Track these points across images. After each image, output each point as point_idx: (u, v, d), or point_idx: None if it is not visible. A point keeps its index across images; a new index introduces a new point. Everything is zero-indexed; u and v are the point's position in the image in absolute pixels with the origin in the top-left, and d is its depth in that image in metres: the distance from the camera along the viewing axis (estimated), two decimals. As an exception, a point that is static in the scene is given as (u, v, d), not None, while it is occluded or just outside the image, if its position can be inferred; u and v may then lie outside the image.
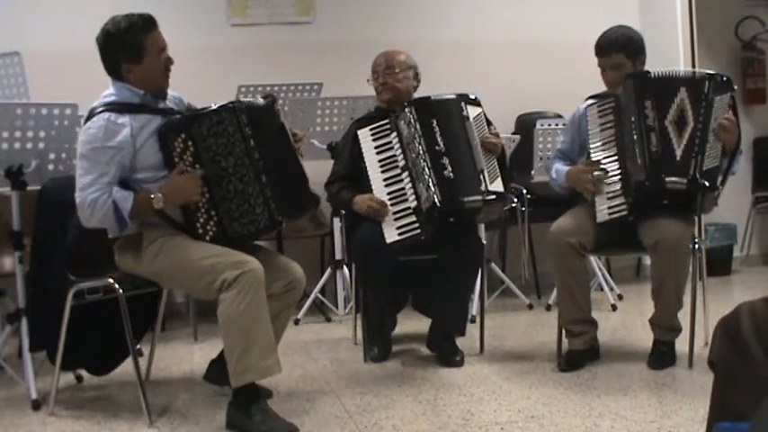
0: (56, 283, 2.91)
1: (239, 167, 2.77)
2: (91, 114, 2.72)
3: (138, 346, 3.35)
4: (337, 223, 4.30)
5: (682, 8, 5.25)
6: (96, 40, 2.76)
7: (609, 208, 3.23)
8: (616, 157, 3.26)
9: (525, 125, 5.00)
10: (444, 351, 3.47)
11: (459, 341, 3.51)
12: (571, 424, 2.63)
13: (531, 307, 4.61)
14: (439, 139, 3.30)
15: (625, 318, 4.31)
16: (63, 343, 2.87)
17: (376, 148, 3.42)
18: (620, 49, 3.31)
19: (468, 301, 3.68)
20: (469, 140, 3.33)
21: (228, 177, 2.76)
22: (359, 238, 3.45)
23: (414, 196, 3.30)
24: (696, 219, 3.37)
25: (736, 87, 3.27)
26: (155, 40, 2.76)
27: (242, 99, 2.89)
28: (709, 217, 4.14)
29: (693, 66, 5.15)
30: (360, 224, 3.45)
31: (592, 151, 3.32)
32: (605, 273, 4.75)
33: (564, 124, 4.09)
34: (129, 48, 2.72)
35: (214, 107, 2.79)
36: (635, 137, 3.18)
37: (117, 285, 2.76)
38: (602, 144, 3.30)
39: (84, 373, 3.34)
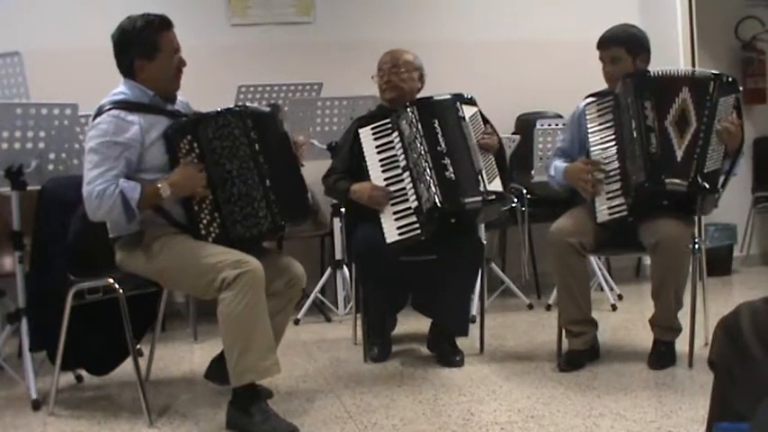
0: (56, 283, 2.91)
1: (243, 170, 2.78)
2: (100, 111, 2.73)
3: (138, 346, 3.36)
4: (337, 223, 4.31)
5: (682, 8, 5.25)
6: (111, 36, 2.79)
7: (609, 208, 3.23)
8: (616, 157, 3.25)
9: (525, 125, 5.00)
10: (444, 351, 3.47)
11: (460, 341, 3.51)
12: (571, 424, 2.63)
13: (531, 307, 4.61)
14: (440, 140, 3.29)
15: (625, 318, 4.31)
16: (63, 343, 2.87)
17: (377, 147, 3.42)
18: (620, 42, 3.32)
19: (469, 302, 3.68)
20: (467, 140, 3.32)
21: (232, 180, 2.77)
22: (359, 238, 3.45)
23: (414, 196, 3.30)
24: (696, 219, 3.37)
25: (741, 89, 3.25)
26: (169, 40, 2.80)
27: (248, 104, 2.90)
28: (710, 217, 4.14)
29: (693, 66, 5.14)
30: (360, 224, 3.45)
31: (591, 150, 3.31)
32: (605, 273, 4.75)
33: (564, 124, 4.09)
34: (144, 44, 2.75)
35: (220, 110, 2.80)
36: (634, 137, 3.18)
37: (117, 285, 2.76)
38: (602, 143, 3.29)
39: (84, 373, 3.35)
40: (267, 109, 2.95)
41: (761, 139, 5.80)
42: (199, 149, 2.75)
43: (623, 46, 3.31)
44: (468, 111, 3.39)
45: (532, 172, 4.51)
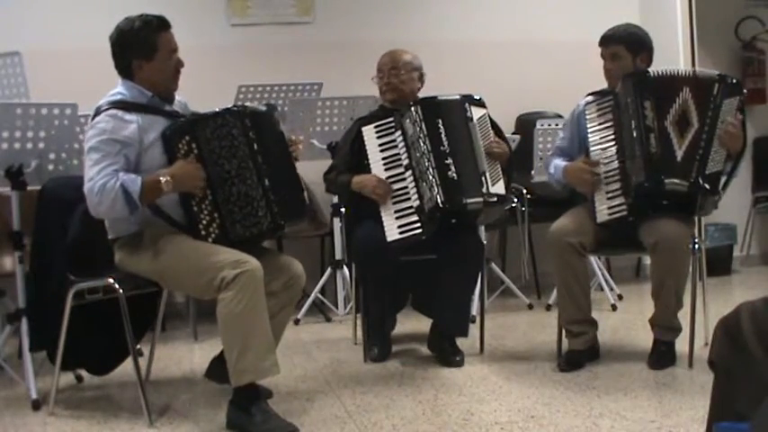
0: (56, 283, 2.91)
1: (242, 170, 2.78)
2: (98, 111, 2.74)
3: (138, 346, 3.35)
4: (337, 223, 4.31)
5: (682, 8, 5.25)
6: (110, 37, 2.79)
7: (609, 208, 3.23)
8: (615, 157, 3.25)
9: (525, 125, 5.00)
10: (444, 351, 3.47)
11: (460, 341, 3.51)
12: (571, 424, 2.63)
13: (531, 307, 4.61)
14: (444, 140, 3.29)
15: (625, 318, 4.31)
16: (63, 343, 2.87)
17: (380, 145, 3.42)
18: (620, 40, 3.32)
19: (470, 302, 3.68)
20: (472, 141, 3.32)
21: (231, 180, 2.77)
22: (359, 237, 3.45)
23: (416, 195, 3.30)
24: (696, 219, 3.37)
25: (745, 91, 3.23)
26: (167, 40, 2.80)
27: (245, 104, 2.90)
28: (709, 217, 4.14)
29: (693, 66, 5.14)
30: (360, 224, 3.45)
31: (591, 150, 3.31)
32: (605, 273, 4.75)
33: (564, 124, 4.09)
34: (142, 44, 2.75)
35: (218, 110, 2.80)
36: (634, 137, 3.18)
37: (117, 285, 2.76)
38: (601, 143, 3.29)
39: (84, 373, 3.34)
40: (264, 108, 2.95)
41: (761, 139, 5.80)
42: (197, 150, 2.75)
43: (623, 44, 3.31)
44: (476, 112, 3.39)
45: (532, 172, 4.51)
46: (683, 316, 3.28)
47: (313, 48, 5.10)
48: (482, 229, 4.16)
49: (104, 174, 2.64)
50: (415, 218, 3.29)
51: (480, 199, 3.26)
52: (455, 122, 3.34)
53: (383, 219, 3.33)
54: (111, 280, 2.78)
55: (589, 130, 3.34)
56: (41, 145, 3.15)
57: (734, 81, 3.18)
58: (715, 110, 3.13)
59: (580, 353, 3.33)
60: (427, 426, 2.68)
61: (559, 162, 3.44)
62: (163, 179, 2.66)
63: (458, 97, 3.40)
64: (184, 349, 3.96)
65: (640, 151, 3.15)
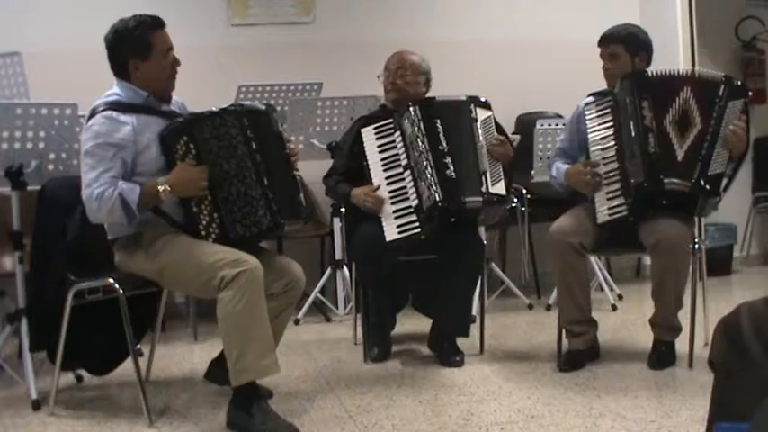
0: (56, 283, 2.91)
1: (241, 169, 2.77)
2: (93, 113, 2.73)
3: (138, 346, 3.35)
4: (337, 223, 4.30)
5: (682, 8, 5.25)
6: (105, 38, 2.78)
7: (609, 209, 3.23)
8: (615, 157, 3.25)
9: (525, 125, 5.00)
10: (444, 351, 3.47)
11: (460, 341, 3.51)
12: (571, 424, 2.63)
13: (531, 307, 4.61)
14: (442, 139, 3.30)
15: (625, 318, 4.31)
16: (63, 343, 2.87)
17: (379, 146, 3.42)
18: (618, 40, 3.32)
19: (470, 302, 3.68)
20: (475, 142, 3.33)
21: (230, 179, 2.76)
22: (359, 237, 3.45)
23: (415, 195, 3.30)
24: (696, 219, 3.37)
25: (751, 93, 3.22)
26: (162, 39, 2.80)
27: (242, 102, 2.89)
28: (709, 217, 4.13)
29: (693, 66, 5.14)
30: (360, 224, 3.45)
31: (591, 151, 3.31)
32: (605, 273, 4.75)
33: (564, 124, 4.09)
34: (138, 43, 2.74)
35: (215, 110, 2.79)
36: (633, 137, 3.17)
37: (117, 285, 2.76)
38: (601, 143, 3.29)
39: (84, 373, 3.34)
40: (263, 107, 2.94)
41: (761, 139, 5.80)
42: (195, 150, 2.74)
43: (622, 44, 3.31)
44: (481, 114, 3.40)
45: (532, 172, 4.51)
46: (683, 316, 3.28)
47: (313, 48, 5.10)
48: (482, 229, 4.15)
49: (102, 181, 2.64)
50: (414, 217, 3.29)
51: (479, 198, 3.27)
52: (457, 123, 3.34)
53: (382, 219, 3.33)
54: (111, 280, 2.78)
55: (589, 131, 3.34)
56: (41, 145, 3.15)
57: (739, 83, 3.16)
58: (720, 111, 3.12)
59: (580, 353, 3.33)
60: (427, 426, 2.68)
61: (561, 165, 3.44)
62: (161, 188, 2.66)
63: (463, 98, 3.40)
64: (184, 349, 3.96)
65: (639, 151, 3.15)
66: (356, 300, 3.84)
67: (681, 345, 3.30)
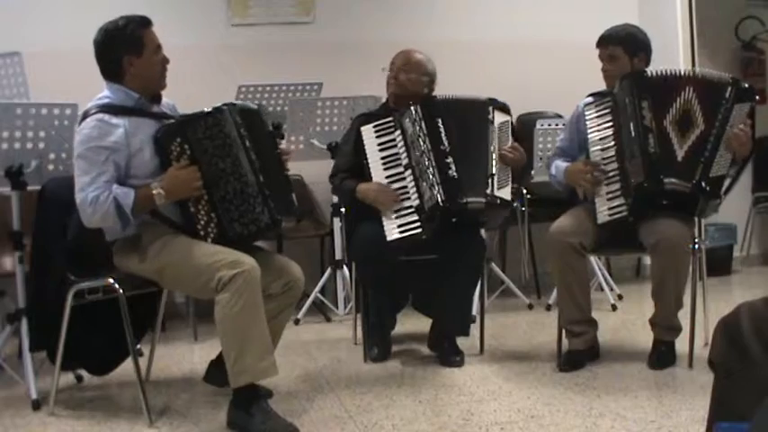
0: (56, 283, 2.91)
1: (237, 168, 2.77)
2: (85, 116, 2.73)
3: (138, 346, 3.35)
4: (337, 223, 4.31)
5: (682, 8, 5.25)
6: (94, 41, 2.78)
7: (609, 209, 3.23)
8: (615, 158, 3.25)
9: (525, 125, 4.99)
10: (444, 351, 3.47)
11: (459, 341, 3.51)
12: (571, 424, 2.63)
13: (531, 307, 4.61)
14: (444, 139, 3.29)
15: (625, 318, 4.31)
16: (63, 343, 2.87)
17: (379, 145, 3.42)
18: (617, 41, 3.32)
19: (470, 302, 3.68)
20: (487, 144, 3.33)
21: (226, 178, 2.76)
22: (359, 237, 3.45)
23: (416, 195, 3.30)
24: (696, 219, 3.36)
25: (757, 98, 3.19)
26: (151, 37, 2.80)
27: (234, 101, 2.89)
28: (709, 217, 4.14)
29: (693, 66, 5.14)
30: (360, 224, 3.45)
31: (591, 151, 3.31)
32: (605, 273, 4.75)
33: (564, 124, 4.09)
34: (130, 40, 2.75)
35: (207, 110, 2.79)
36: (633, 137, 3.17)
37: (117, 285, 2.76)
38: (601, 144, 3.29)
39: (84, 373, 3.34)
40: (254, 106, 2.96)
41: (761, 139, 5.77)
42: (190, 151, 2.74)
43: (620, 45, 3.31)
44: (499, 117, 3.40)
45: (532, 172, 4.50)
46: (683, 316, 3.28)
47: (313, 48, 5.10)
48: (482, 229, 4.15)
49: (96, 186, 2.64)
50: (415, 217, 3.29)
51: (481, 199, 3.27)
52: (464, 122, 3.34)
53: (383, 218, 3.32)
54: (111, 280, 2.78)
55: (588, 131, 3.33)
56: (41, 145, 3.15)
57: (747, 86, 3.13)
58: (725, 113, 3.09)
59: (580, 353, 3.33)
60: (427, 426, 2.68)
61: (560, 163, 3.44)
62: (155, 192, 2.66)
63: (484, 99, 3.41)
64: (184, 349, 3.96)
65: (639, 151, 3.14)
66: (356, 300, 3.84)
67: (681, 345, 3.30)
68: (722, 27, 5.72)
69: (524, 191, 4.62)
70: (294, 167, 3.28)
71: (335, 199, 4.26)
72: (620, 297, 4.75)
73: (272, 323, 2.77)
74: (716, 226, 5.51)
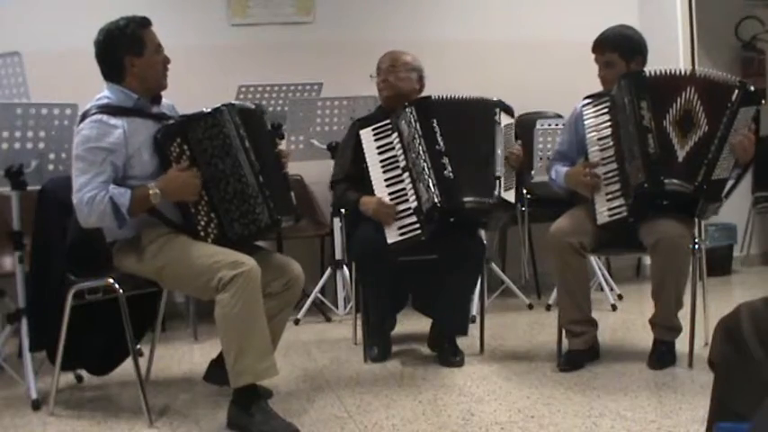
0: (56, 283, 2.91)
1: (237, 168, 2.77)
2: (84, 116, 2.73)
3: (138, 346, 3.35)
4: (337, 223, 4.30)
5: (682, 8, 5.25)
6: (95, 42, 2.79)
7: (609, 210, 3.22)
8: (614, 158, 3.24)
9: (525, 125, 4.99)
10: (444, 351, 3.47)
11: (459, 341, 3.51)
12: (571, 424, 2.63)
13: (531, 307, 4.61)
14: (439, 139, 3.30)
15: (625, 318, 4.31)
16: (63, 343, 2.87)
17: (378, 148, 3.42)
18: (613, 47, 3.31)
19: (470, 301, 3.68)
20: (494, 145, 3.34)
21: (227, 178, 2.76)
22: (359, 238, 3.45)
23: (414, 196, 3.30)
24: (696, 219, 3.36)
25: (763, 101, 3.15)
26: (152, 36, 2.81)
27: (233, 102, 2.90)
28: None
29: (693, 66, 5.14)
30: (360, 224, 3.45)
31: (589, 151, 3.31)
32: (605, 273, 4.75)
33: (563, 124, 4.09)
34: (131, 40, 2.75)
35: (207, 110, 2.79)
36: (632, 137, 3.17)
37: (117, 285, 2.76)
38: (600, 144, 3.28)
39: (84, 373, 3.34)
40: (253, 106, 2.96)
41: (761, 138, 5.77)
42: (189, 151, 2.74)
43: (616, 51, 3.31)
44: (504, 119, 3.41)
45: (532, 172, 4.50)
46: (683, 316, 3.28)
47: (313, 48, 5.10)
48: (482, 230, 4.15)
49: (93, 186, 2.64)
50: (414, 219, 3.29)
51: (480, 199, 3.27)
52: (472, 122, 3.35)
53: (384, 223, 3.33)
54: (111, 280, 2.78)
55: (587, 132, 3.32)
56: (41, 145, 3.15)
57: (753, 89, 3.10)
58: (731, 116, 3.07)
59: (580, 353, 3.33)
60: (427, 426, 2.68)
61: (560, 168, 3.44)
62: (152, 192, 2.66)
63: (493, 100, 3.43)
64: (184, 349, 3.96)
65: (639, 152, 3.13)
66: (356, 300, 3.84)
67: (681, 345, 3.30)
68: (722, 27, 5.72)
69: (524, 191, 4.61)
70: (294, 167, 3.29)
71: (335, 199, 4.26)
72: (620, 297, 4.75)
73: (272, 322, 2.77)
74: (716, 226, 5.51)
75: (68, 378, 3.34)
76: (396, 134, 3.38)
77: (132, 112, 2.76)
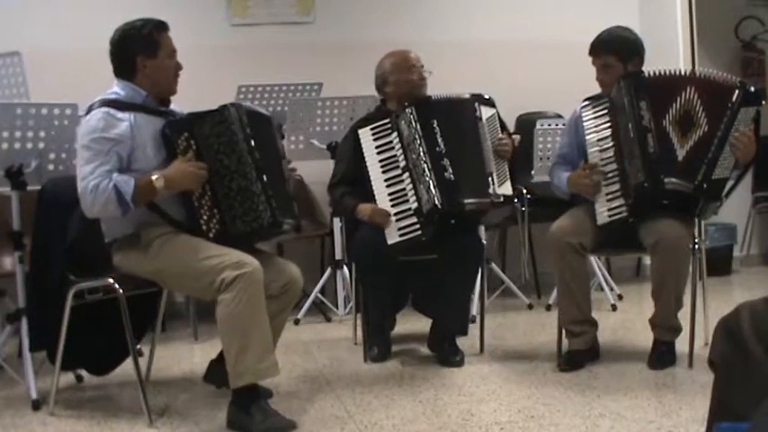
0: (56, 283, 2.91)
1: (241, 166, 2.78)
2: (90, 108, 2.74)
3: (138, 346, 3.35)
4: (337, 223, 4.31)
5: (682, 8, 5.25)
6: (111, 40, 2.80)
7: (609, 210, 3.22)
8: (614, 159, 3.24)
9: (525, 125, 5.00)
10: (444, 351, 3.47)
11: (459, 341, 3.51)
12: (571, 424, 2.63)
13: (531, 307, 4.61)
14: (440, 140, 3.29)
15: (625, 318, 4.31)
16: (63, 343, 2.87)
17: (377, 147, 3.42)
18: (610, 50, 3.31)
19: (469, 301, 3.68)
20: (480, 142, 3.32)
21: (231, 175, 2.77)
22: (359, 238, 3.45)
23: (414, 197, 3.30)
24: (696, 219, 3.36)
25: (764, 103, 3.15)
26: (168, 41, 2.84)
27: (241, 103, 2.91)
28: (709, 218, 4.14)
29: (693, 66, 5.14)
30: (360, 224, 3.45)
31: (589, 152, 3.31)
32: (605, 273, 4.75)
33: (564, 124, 4.09)
34: (146, 41, 2.77)
35: (215, 108, 2.80)
36: (632, 137, 3.16)
37: (117, 285, 2.76)
38: (599, 145, 3.27)
39: (84, 373, 3.34)
40: (266, 112, 3.00)
41: (761, 139, 5.78)
42: (196, 146, 2.75)
43: (613, 54, 3.30)
44: (485, 112, 3.39)
45: (532, 172, 4.51)
46: (683, 316, 3.27)
47: (313, 48, 5.10)
48: (482, 228, 4.16)
49: (97, 174, 2.65)
50: (414, 219, 3.29)
51: (480, 199, 3.27)
52: (458, 122, 3.33)
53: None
54: (111, 280, 2.78)
55: (586, 133, 3.32)
56: (41, 145, 3.15)
57: (754, 89, 3.09)
58: (731, 116, 3.06)
59: (580, 353, 3.33)
60: (427, 426, 2.68)
61: (562, 174, 3.43)
62: (155, 178, 2.67)
63: (468, 96, 3.39)
64: (184, 349, 3.96)
65: (639, 152, 3.13)
66: (356, 300, 3.84)
67: (681, 345, 3.30)
68: (722, 27, 5.72)
69: (524, 191, 4.61)
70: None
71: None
72: (620, 297, 4.75)
73: (271, 324, 2.76)
74: (716, 226, 5.51)
75: (68, 378, 3.34)
76: (395, 134, 3.38)
77: (139, 108, 2.77)
